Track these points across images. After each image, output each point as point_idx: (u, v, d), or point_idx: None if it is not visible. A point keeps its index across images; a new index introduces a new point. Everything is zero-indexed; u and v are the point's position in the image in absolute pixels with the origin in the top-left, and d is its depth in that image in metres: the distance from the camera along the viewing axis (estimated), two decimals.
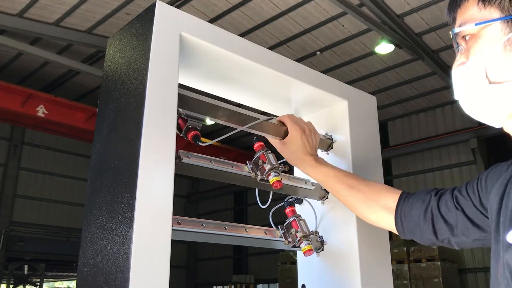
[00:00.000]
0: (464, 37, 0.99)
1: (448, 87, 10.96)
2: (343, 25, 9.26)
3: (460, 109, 1.02)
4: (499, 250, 0.91)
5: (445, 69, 10.12)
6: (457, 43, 1.00)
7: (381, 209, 1.33)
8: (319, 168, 1.46)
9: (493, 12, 0.94)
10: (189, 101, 1.35)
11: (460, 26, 0.99)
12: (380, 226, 1.39)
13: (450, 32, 1.02)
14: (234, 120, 1.48)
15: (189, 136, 1.35)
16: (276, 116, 1.62)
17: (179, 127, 1.33)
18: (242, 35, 8.96)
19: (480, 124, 11.29)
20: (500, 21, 0.93)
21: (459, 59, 1.00)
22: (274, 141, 1.57)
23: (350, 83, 1.87)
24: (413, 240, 1.30)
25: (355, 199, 1.39)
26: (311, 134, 1.54)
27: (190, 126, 1.35)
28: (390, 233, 1.55)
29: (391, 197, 1.32)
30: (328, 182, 1.44)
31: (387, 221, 1.32)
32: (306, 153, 1.49)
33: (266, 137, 1.56)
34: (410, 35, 9.31)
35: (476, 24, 0.95)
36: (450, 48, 9.60)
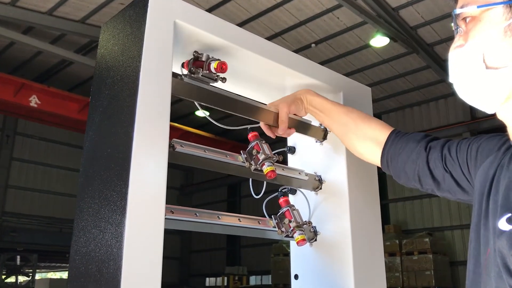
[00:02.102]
0: (464, 19, 0.98)
1: (442, 81, 10.99)
2: (338, 18, 9.24)
3: (453, 103, 1.01)
4: (488, 236, 0.91)
5: (440, 63, 10.14)
6: (457, 25, 0.99)
7: (370, 140, 1.36)
8: (317, 98, 1.52)
9: None
10: (184, 88, 1.34)
11: (461, 7, 0.97)
12: (366, 159, 1.42)
13: (451, 17, 1.00)
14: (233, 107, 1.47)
15: (215, 65, 1.33)
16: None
17: (196, 67, 1.34)
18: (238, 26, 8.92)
19: (473, 118, 11.37)
20: (502, 5, 0.92)
21: (457, 41, 0.99)
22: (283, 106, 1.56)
23: (344, 76, 1.87)
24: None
25: (346, 127, 1.42)
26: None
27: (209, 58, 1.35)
28: (382, 226, 1.56)
29: (382, 131, 1.34)
30: (325, 109, 1.49)
31: (373, 155, 1.35)
32: (297, 93, 1.56)
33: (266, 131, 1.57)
34: (405, 29, 9.31)
35: (478, 7, 0.94)
36: (445, 42, 9.62)
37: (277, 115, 1.51)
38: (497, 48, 0.91)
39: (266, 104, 1.56)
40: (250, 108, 1.50)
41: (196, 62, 1.35)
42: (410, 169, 1.24)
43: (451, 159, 1.16)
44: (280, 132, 1.52)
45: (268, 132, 1.56)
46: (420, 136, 1.27)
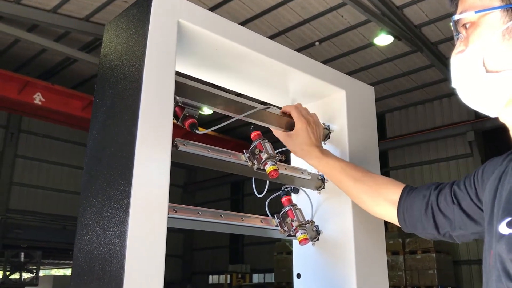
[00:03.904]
0: (464, 25, 0.98)
1: (446, 79, 10.96)
2: (342, 16, 9.22)
3: (457, 101, 1.02)
4: (491, 241, 0.92)
5: (444, 62, 10.11)
6: (457, 31, 1.00)
7: (385, 202, 1.35)
8: (325, 160, 1.47)
9: (494, 1, 0.94)
10: (187, 89, 1.35)
11: (460, 13, 0.99)
12: (384, 219, 1.42)
13: (451, 23, 1.01)
14: (232, 108, 1.47)
15: (186, 124, 1.34)
16: (275, 106, 1.62)
17: (176, 115, 1.32)
18: (241, 24, 8.90)
19: (477, 117, 11.33)
20: (500, 9, 0.93)
21: (458, 46, 1.00)
22: (278, 133, 1.56)
23: (348, 74, 1.87)
24: (409, 231, 1.31)
25: (360, 192, 1.41)
26: (315, 126, 1.55)
27: (187, 114, 1.35)
28: (386, 224, 1.56)
29: (395, 191, 1.33)
30: (333, 174, 1.46)
31: (390, 214, 1.34)
32: (311, 144, 1.50)
33: (271, 128, 1.56)
34: (409, 27, 9.29)
35: (476, 12, 0.95)
36: (449, 41, 9.59)
37: (287, 121, 1.54)
38: (496, 52, 0.92)
39: (269, 106, 1.57)
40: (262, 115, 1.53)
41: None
42: (425, 216, 1.23)
43: (459, 191, 1.16)
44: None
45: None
46: (431, 184, 1.28)
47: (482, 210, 1.08)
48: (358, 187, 1.40)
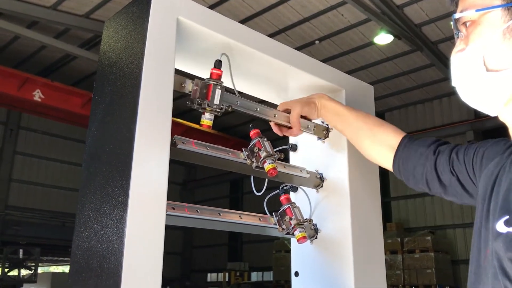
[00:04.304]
0: (464, 23, 0.98)
1: (446, 79, 10.95)
2: (342, 15, 9.21)
3: (457, 101, 1.02)
4: (487, 237, 0.92)
5: (444, 61, 10.11)
6: (458, 29, 1.00)
7: (383, 145, 1.37)
8: (331, 102, 1.53)
9: None
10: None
11: (461, 12, 0.98)
12: (379, 163, 1.44)
13: (451, 22, 1.01)
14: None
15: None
16: (274, 104, 1.62)
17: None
18: (241, 22, 8.89)
19: (477, 117, 11.34)
20: (501, 8, 0.92)
21: (458, 45, 1.00)
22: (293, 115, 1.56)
23: (348, 73, 1.87)
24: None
25: (360, 133, 1.44)
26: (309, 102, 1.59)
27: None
28: (384, 223, 1.56)
29: (395, 137, 1.36)
30: (339, 114, 1.50)
31: (386, 159, 1.37)
32: (313, 97, 1.56)
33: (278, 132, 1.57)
34: (410, 26, 9.28)
35: (476, 10, 0.95)
36: (449, 40, 9.58)
37: (288, 119, 1.54)
38: (496, 51, 0.92)
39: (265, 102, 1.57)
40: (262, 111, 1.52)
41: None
42: (418, 173, 1.26)
43: (458, 163, 1.17)
44: (294, 134, 1.56)
45: (276, 130, 1.57)
46: (431, 140, 1.28)
47: (477, 188, 1.10)
48: (359, 126, 1.44)
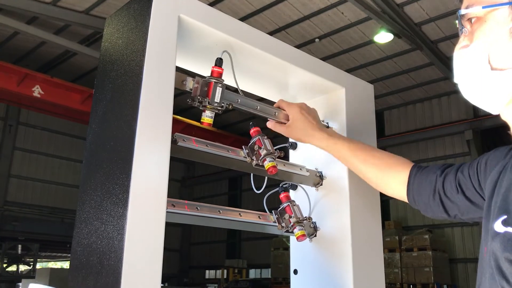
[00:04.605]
0: (469, 19, 0.96)
1: (445, 78, 10.96)
2: (342, 13, 9.21)
3: (456, 100, 1.02)
4: (486, 237, 0.92)
5: (444, 60, 10.10)
6: (462, 25, 0.97)
7: (395, 183, 1.36)
8: (332, 141, 1.47)
9: None
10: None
11: (467, 8, 0.96)
12: (396, 197, 1.42)
13: (456, 20, 0.99)
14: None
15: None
16: (274, 102, 1.62)
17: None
18: (241, 20, 8.88)
19: (475, 116, 11.34)
20: (508, 5, 0.90)
21: (462, 41, 0.98)
22: (280, 128, 1.55)
23: (347, 71, 1.87)
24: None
25: (369, 174, 1.42)
26: (308, 109, 1.55)
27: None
28: (383, 221, 1.56)
29: (403, 171, 1.34)
30: (341, 155, 1.47)
31: (401, 195, 1.35)
32: (314, 127, 1.50)
33: (272, 127, 1.55)
34: (410, 25, 9.28)
35: (483, 7, 0.93)
36: (449, 39, 9.58)
37: (283, 115, 1.54)
38: (503, 50, 0.90)
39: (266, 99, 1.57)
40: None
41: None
42: (433, 202, 1.24)
43: (463, 178, 1.17)
44: (268, 124, 1.53)
45: (271, 125, 1.57)
46: (437, 166, 1.28)
47: (483, 198, 1.08)
48: (367, 169, 1.42)
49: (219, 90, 1.34)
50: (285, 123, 1.54)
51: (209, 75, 1.35)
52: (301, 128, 1.51)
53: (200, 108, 1.34)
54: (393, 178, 1.36)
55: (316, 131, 1.49)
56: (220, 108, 1.35)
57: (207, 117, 1.35)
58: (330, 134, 1.49)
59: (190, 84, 1.32)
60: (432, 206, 1.25)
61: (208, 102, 1.33)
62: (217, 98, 1.34)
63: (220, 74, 1.36)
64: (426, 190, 1.26)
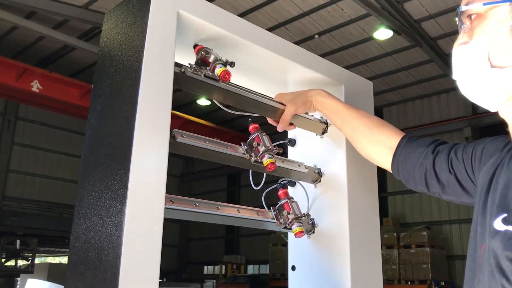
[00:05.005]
0: (469, 16, 0.96)
1: (445, 75, 10.96)
2: (342, 9, 9.19)
3: (455, 97, 1.01)
4: (484, 234, 0.91)
5: (443, 57, 10.09)
6: (461, 22, 0.97)
7: (382, 146, 1.36)
8: (330, 97, 1.52)
9: None
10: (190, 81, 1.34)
11: (467, 4, 0.96)
12: (377, 163, 1.43)
13: (455, 14, 0.99)
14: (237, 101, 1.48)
15: (219, 72, 1.35)
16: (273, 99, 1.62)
17: (202, 63, 1.35)
18: (240, 16, 8.88)
19: (474, 113, 11.35)
20: (509, 2, 0.90)
21: (461, 38, 0.97)
22: (288, 110, 1.55)
23: (347, 68, 1.88)
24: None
25: (360, 132, 1.42)
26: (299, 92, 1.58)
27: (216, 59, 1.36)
28: (381, 218, 1.57)
29: (394, 137, 1.34)
30: (337, 111, 1.48)
31: (385, 160, 1.35)
32: (310, 92, 1.55)
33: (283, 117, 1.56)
34: (409, 22, 9.26)
35: (484, 4, 0.93)
36: (448, 36, 9.57)
37: (281, 112, 1.53)
38: (503, 47, 0.90)
39: (265, 96, 1.57)
40: (256, 104, 1.52)
41: (204, 58, 1.36)
42: (418, 173, 1.24)
43: (456, 161, 1.16)
44: (279, 129, 1.55)
45: (271, 121, 1.57)
46: (430, 141, 1.27)
47: (475, 186, 1.08)
48: (359, 127, 1.42)
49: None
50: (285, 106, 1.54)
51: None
52: (298, 94, 1.55)
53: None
54: (381, 142, 1.36)
55: (312, 95, 1.54)
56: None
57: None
58: (324, 96, 1.53)
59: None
60: (415, 178, 1.25)
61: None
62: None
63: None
64: (413, 161, 1.26)
